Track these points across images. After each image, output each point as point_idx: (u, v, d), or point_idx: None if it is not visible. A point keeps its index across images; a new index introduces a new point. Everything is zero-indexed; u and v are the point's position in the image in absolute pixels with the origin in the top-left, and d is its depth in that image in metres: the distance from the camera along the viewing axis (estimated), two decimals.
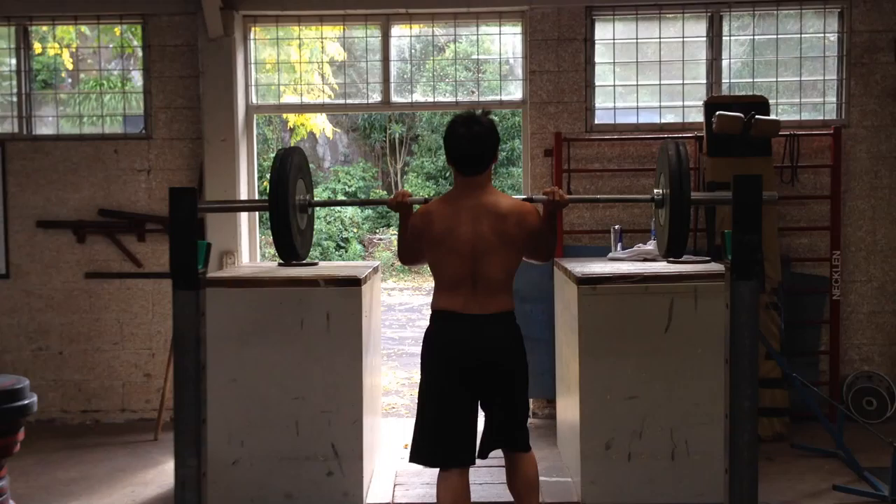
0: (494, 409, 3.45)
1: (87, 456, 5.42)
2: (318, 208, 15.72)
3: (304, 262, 4.96)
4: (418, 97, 6.73)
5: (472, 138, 3.39)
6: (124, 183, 6.10)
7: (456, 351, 3.35)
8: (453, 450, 3.36)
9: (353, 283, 4.30)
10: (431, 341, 3.43)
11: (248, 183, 6.20)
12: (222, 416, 4.15)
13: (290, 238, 3.49)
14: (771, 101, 5.82)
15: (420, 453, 3.43)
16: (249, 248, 6.19)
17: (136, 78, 6.42)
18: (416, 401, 3.51)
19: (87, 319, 6.15)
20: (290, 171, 3.49)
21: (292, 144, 17.35)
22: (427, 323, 3.49)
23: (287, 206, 3.45)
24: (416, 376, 8.23)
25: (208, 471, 3.13)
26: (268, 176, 13.38)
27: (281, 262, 4.90)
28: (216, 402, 4.17)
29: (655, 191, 3.57)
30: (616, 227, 5.22)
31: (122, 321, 6.14)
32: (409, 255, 3.62)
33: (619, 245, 5.15)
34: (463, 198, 3.41)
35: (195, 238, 3.05)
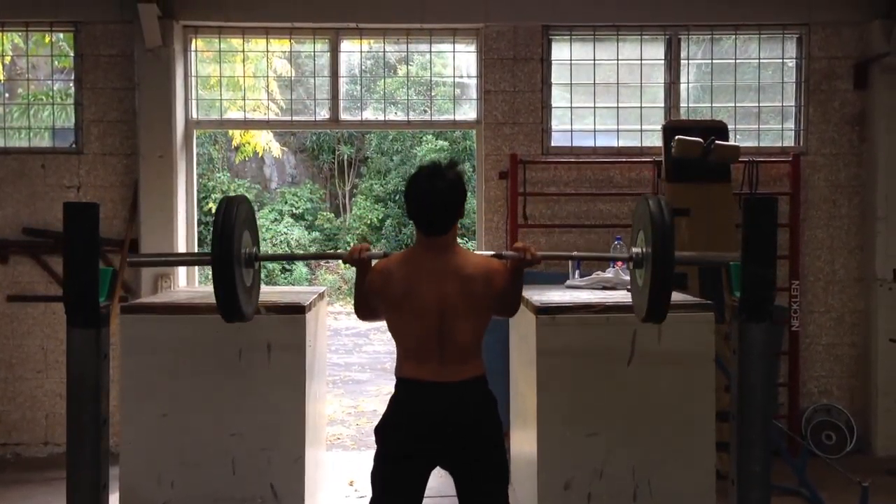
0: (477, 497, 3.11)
1: (4, 494, 5.02)
2: (264, 242, 15.39)
3: None
4: (368, 115, 6.49)
5: (434, 196, 3.04)
6: (52, 200, 5.72)
7: (427, 422, 3.01)
8: None
9: (297, 311, 4.01)
10: (397, 411, 3.08)
11: (186, 202, 5.87)
12: (151, 455, 3.84)
13: (234, 295, 3.16)
14: (729, 127, 5.71)
15: None
16: (187, 271, 5.84)
17: (72, 90, 6.05)
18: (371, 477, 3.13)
19: (9, 346, 5.74)
20: (234, 221, 3.17)
21: (237, 163, 16.99)
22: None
23: (231, 259, 3.12)
24: (363, 404, 8.03)
25: None
26: (212, 196, 12.97)
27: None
28: (145, 438, 3.89)
29: (633, 249, 3.33)
30: (574, 253, 5.02)
31: (47, 348, 5.74)
32: (365, 311, 3.28)
33: (576, 272, 4.94)
34: (426, 259, 3.08)
35: (96, 263, 2.62)
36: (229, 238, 3.14)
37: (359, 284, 3.25)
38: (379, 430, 3.11)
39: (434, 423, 3.01)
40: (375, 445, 3.13)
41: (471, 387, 3.06)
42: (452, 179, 3.07)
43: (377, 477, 3.10)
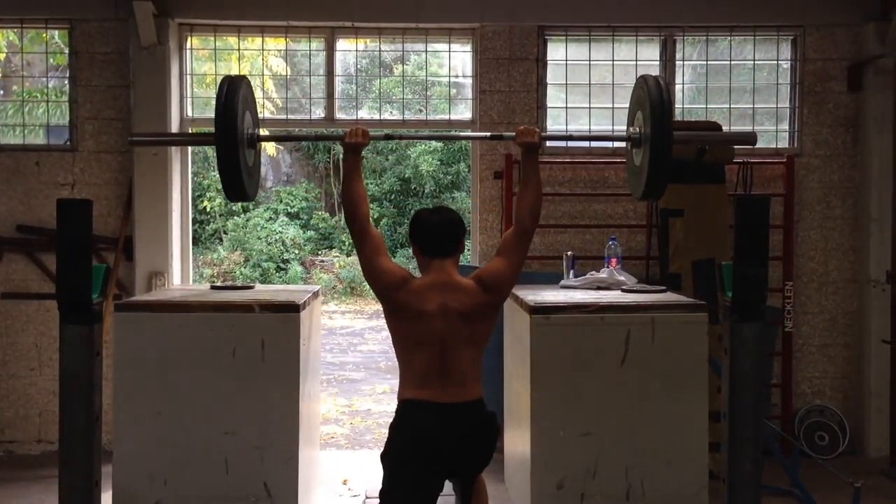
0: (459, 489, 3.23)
1: None
2: (258, 241, 15.39)
3: (239, 285, 4.67)
4: (364, 115, 6.49)
5: (444, 221, 3.23)
6: (46, 197, 5.70)
7: (428, 442, 3.06)
8: None
9: (291, 310, 4.00)
10: (401, 432, 3.12)
11: (181, 200, 5.86)
12: (144, 453, 3.83)
13: (238, 175, 3.22)
14: (724, 128, 5.71)
15: None
16: (181, 269, 5.84)
17: (66, 87, 6.04)
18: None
19: (2, 343, 5.73)
20: (237, 102, 3.21)
21: None
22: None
23: (235, 139, 3.17)
24: (358, 404, 8.02)
25: None
26: (207, 195, 12.94)
27: (215, 286, 4.62)
28: (138, 436, 3.88)
29: (631, 129, 3.38)
30: (568, 253, 5.02)
31: (41, 345, 5.73)
32: (350, 206, 3.26)
33: (571, 272, 4.95)
34: (432, 287, 3.14)
35: (89, 260, 2.63)
36: (233, 119, 3.19)
37: (351, 172, 3.29)
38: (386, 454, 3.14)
39: (433, 439, 3.05)
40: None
41: (471, 408, 3.12)
42: (455, 213, 3.31)
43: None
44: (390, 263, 3.21)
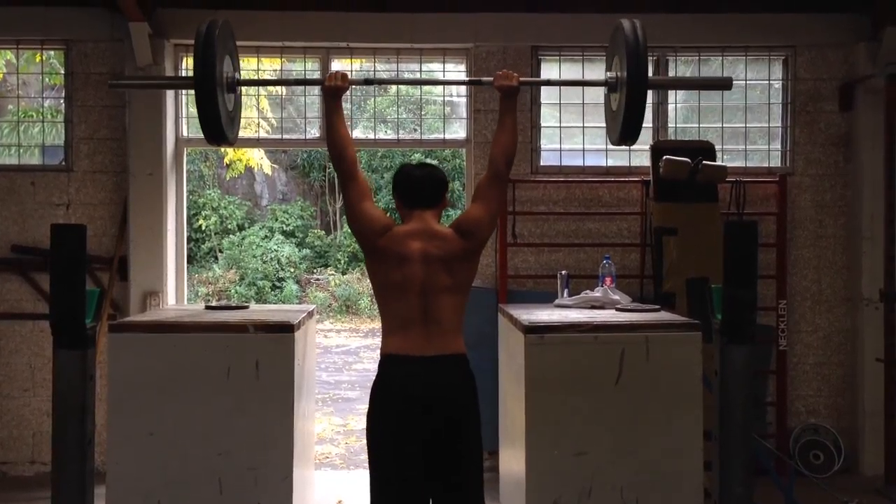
0: (452, 485, 3.18)
1: None
2: (253, 259, 15.44)
3: (234, 305, 4.68)
4: (358, 134, 6.51)
5: (424, 171, 3.35)
6: (41, 218, 5.71)
7: (408, 390, 3.13)
8: None
9: (286, 330, 4.00)
10: (382, 387, 3.22)
11: (175, 220, 5.86)
12: (138, 474, 3.82)
13: (217, 120, 3.25)
14: (717, 148, 5.75)
15: None
16: (176, 288, 5.84)
17: (62, 107, 6.06)
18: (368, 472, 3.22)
19: None
20: (216, 45, 3.22)
21: (227, 180, 16.99)
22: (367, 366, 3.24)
23: (214, 83, 3.19)
24: (353, 423, 8.01)
25: None
26: (203, 213, 12.92)
27: (209, 305, 4.61)
28: (132, 457, 3.86)
29: (608, 74, 3.44)
30: (563, 272, 5.04)
31: (35, 366, 5.71)
32: (336, 153, 3.31)
33: (565, 291, 4.97)
34: (412, 234, 3.24)
35: (83, 285, 2.64)
36: (211, 62, 3.20)
37: (334, 116, 3.34)
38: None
39: (419, 394, 3.11)
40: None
41: (453, 362, 3.18)
42: (440, 170, 3.42)
43: (373, 476, 3.18)
44: (374, 210, 3.29)
